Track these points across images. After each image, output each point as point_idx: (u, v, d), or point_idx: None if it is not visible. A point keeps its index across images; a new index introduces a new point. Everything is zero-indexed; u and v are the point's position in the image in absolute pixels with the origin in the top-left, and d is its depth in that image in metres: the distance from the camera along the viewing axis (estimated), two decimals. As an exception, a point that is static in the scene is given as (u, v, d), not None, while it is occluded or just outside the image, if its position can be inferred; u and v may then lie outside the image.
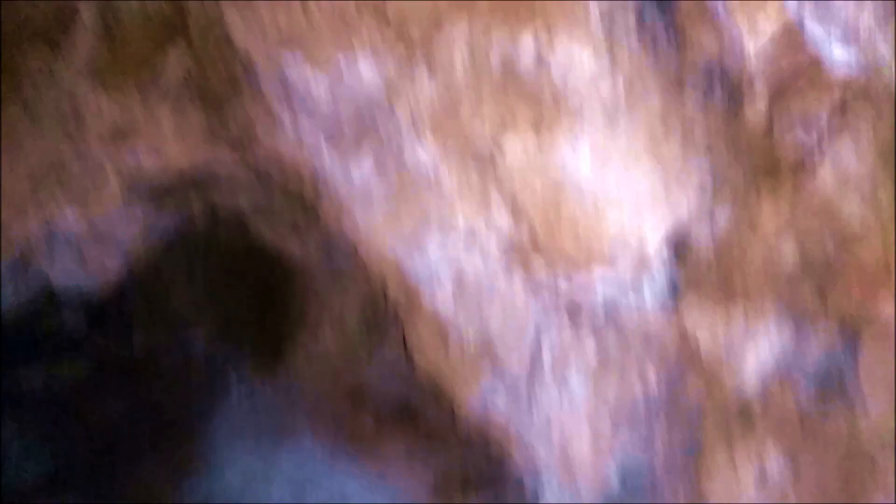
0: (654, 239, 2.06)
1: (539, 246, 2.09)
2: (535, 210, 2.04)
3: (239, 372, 4.03)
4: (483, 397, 2.41)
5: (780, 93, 1.97)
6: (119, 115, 2.72)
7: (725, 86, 2.03)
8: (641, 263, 2.08)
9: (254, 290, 4.07)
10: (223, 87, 2.57)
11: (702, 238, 2.09)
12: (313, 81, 2.22)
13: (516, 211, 2.08)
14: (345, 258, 3.26)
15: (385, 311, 3.36)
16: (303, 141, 2.48)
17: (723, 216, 2.07)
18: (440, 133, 2.09)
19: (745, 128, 2.04)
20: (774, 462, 2.00)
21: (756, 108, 2.01)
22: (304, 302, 3.92)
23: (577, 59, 1.95)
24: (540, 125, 1.98)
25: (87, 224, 2.95)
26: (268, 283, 3.98)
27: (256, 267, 3.89)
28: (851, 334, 1.93)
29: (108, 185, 2.85)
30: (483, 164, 2.07)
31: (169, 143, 2.79)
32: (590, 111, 1.98)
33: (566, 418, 2.24)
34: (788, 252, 1.98)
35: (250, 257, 3.81)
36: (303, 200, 2.87)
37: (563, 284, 2.17)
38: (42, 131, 2.75)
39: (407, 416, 3.69)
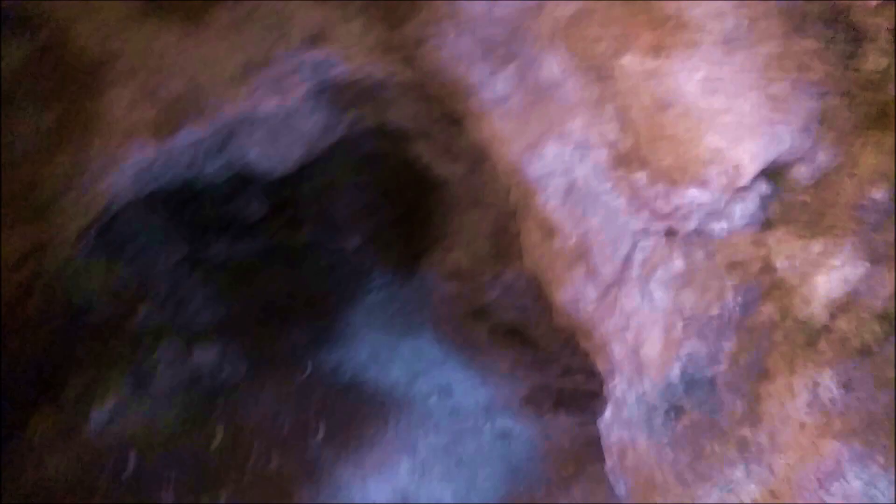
0: (750, 167, 2.20)
1: (641, 159, 2.30)
2: (641, 124, 2.24)
3: (381, 274, 4.57)
4: (574, 297, 2.67)
5: (900, 46, 2.05)
6: (317, 22, 3.23)
7: (846, 36, 2.14)
8: (736, 189, 2.22)
9: (404, 206, 4.58)
10: (403, 4, 3.00)
11: (799, 174, 2.21)
12: (475, -2, 2.57)
13: (625, 124, 2.30)
14: (484, 176, 3.62)
15: (512, 239, 3.67)
16: (461, 56, 2.84)
17: (823, 157, 2.18)
18: (572, 48, 2.36)
19: (861, 78, 2.14)
20: (829, 391, 2.10)
21: (874, 60, 2.11)
22: (443, 223, 4.35)
23: (704, -6, 2.14)
24: (659, 49, 2.20)
25: (281, 113, 3.52)
26: (416, 201, 4.45)
27: (409, 184, 4.37)
28: (927, 283, 1.99)
29: (302, 81, 3.39)
30: (603, 78, 2.32)
31: (355, 51, 3.27)
32: (709, 42, 2.17)
33: (643, 322, 2.43)
34: (879, 198, 2.07)
35: (406, 175, 4.30)
36: (453, 117, 3.24)
37: (661, 202, 2.36)
38: (252, 31, 3.30)
39: (517, 336, 4.02)
